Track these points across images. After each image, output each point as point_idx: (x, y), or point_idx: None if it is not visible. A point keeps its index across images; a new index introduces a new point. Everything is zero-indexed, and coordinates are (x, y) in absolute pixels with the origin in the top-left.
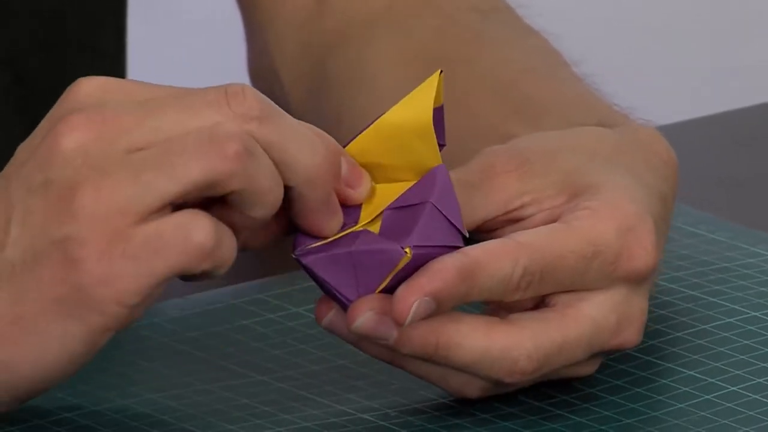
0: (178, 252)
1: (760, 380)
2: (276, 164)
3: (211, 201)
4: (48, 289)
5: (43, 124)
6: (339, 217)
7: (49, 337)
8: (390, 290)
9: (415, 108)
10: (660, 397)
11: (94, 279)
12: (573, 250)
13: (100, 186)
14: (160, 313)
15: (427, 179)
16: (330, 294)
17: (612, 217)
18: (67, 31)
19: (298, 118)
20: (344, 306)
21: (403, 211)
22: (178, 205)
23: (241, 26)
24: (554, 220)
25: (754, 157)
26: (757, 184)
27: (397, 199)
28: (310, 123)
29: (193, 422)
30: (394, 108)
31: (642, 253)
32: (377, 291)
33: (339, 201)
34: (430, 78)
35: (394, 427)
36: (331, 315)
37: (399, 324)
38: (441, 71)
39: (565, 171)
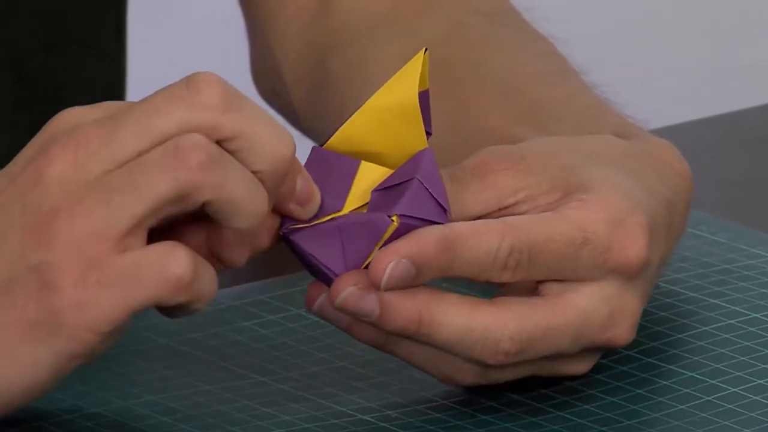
0: (153, 283)
1: (761, 382)
2: (242, 150)
3: (196, 217)
4: (21, 313)
5: (24, 152)
6: (314, 202)
7: (18, 362)
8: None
9: (399, 91)
10: (661, 399)
11: (68, 305)
12: (561, 234)
13: (75, 212)
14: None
15: (413, 161)
16: (318, 274)
17: (602, 208)
18: (69, 31)
19: (301, 118)
20: (332, 283)
21: (388, 190)
22: (159, 229)
23: (241, 26)
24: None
25: (754, 159)
26: (757, 185)
27: (383, 182)
28: (313, 123)
29: (194, 423)
30: (379, 91)
31: (633, 246)
32: (365, 263)
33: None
34: (414, 58)
35: (394, 428)
36: (322, 299)
37: (375, 285)
38: (426, 50)
39: (561, 169)
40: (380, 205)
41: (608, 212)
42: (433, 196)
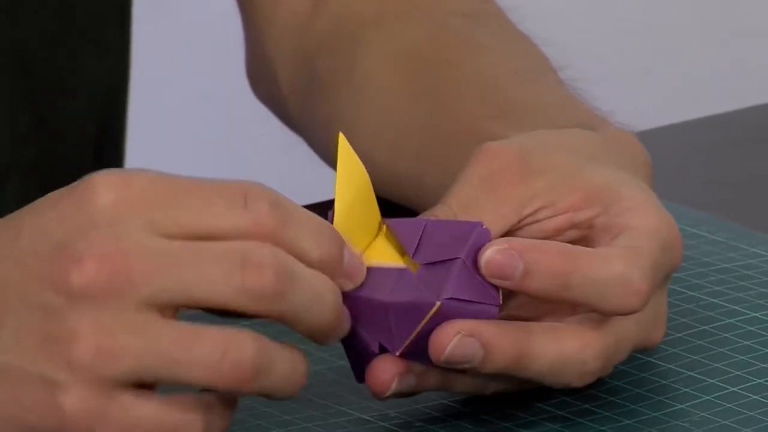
0: None
1: (761, 381)
2: (291, 323)
3: None
4: (25, 413)
5: (56, 226)
6: (361, 275)
7: None
8: (417, 339)
9: (351, 180)
10: (660, 398)
11: (74, 430)
12: (659, 247)
13: (102, 346)
14: None
15: (461, 231)
16: (358, 347)
17: (657, 214)
18: (74, 24)
19: (296, 122)
20: (367, 354)
21: (435, 266)
22: None
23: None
24: (573, 222)
25: (751, 159)
26: (755, 185)
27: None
28: (306, 125)
29: None
30: (337, 186)
31: (679, 249)
32: (407, 342)
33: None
34: (340, 144)
35: (393, 428)
36: (399, 379)
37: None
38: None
39: (560, 168)
40: (428, 282)
41: (665, 216)
42: (476, 276)
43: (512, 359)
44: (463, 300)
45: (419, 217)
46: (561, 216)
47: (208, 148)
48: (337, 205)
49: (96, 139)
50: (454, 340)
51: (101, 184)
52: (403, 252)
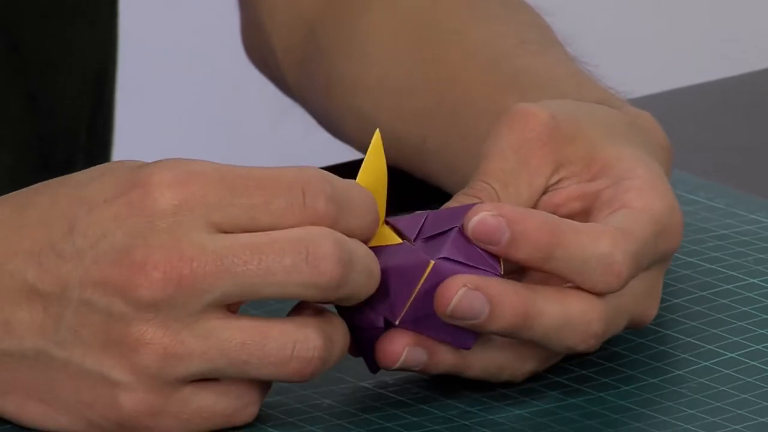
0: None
1: (759, 347)
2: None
3: None
4: (84, 408)
5: (114, 213)
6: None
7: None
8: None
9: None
10: (658, 364)
11: (134, 426)
12: (652, 232)
13: (169, 352)
14: None
15: (456, 212)
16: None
17: (662, 198)
18: (64, 0)
19: (292, 88)
20: (374, 332)
21: (434, 238)
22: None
23: None
24: (583, 192)
25: (754, 124)
26: (756, 151)
27: (428, 228)
28: (303, 93)
29: None
30: (360, 175)
31: (679, 234)
32: (405, 307)
33: None
34: (373, 140)
35: (391, 395)
36: (408, 351)
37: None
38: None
39: (588, 139)
40: (426, 249)
41: (669, 201)
42: (474, 245)
43: (519, 316)
44: (459, 262)
45: (425, 211)
46: (575, 186)
47: (202, 120)
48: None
49: (90, 116)
50: (459, 292)
51: (159, 185)
52: (404, 240)
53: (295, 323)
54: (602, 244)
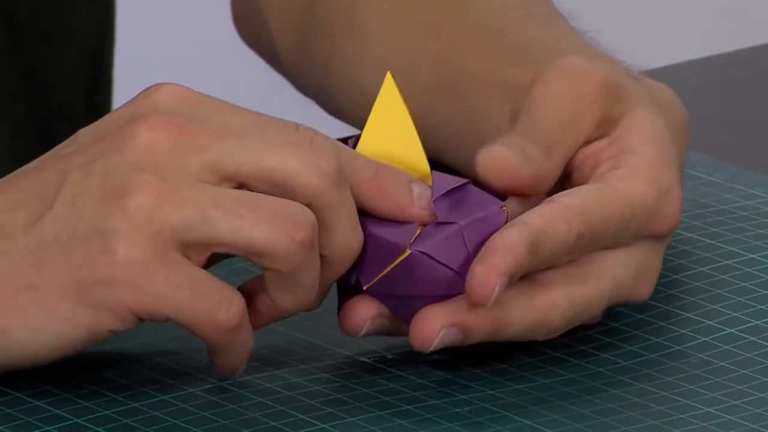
0: (200, 317)
1: (758, 322)
2: (322, 229)
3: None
4: (74, 270)
5: (116, 114)
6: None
7: (56, 316)
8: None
9: (387, 122)
10: (657, 339)
11: (124, 280)
12: (617, 212)
13: (163, 196)
14: None
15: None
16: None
17: (651, 181)
18: None
19: (286, 66)
20: (346, 287)
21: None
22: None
23: None
24: (594, 155)
25: (755, 99)
26: (757, 126)
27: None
28: (300, 70)
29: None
30: (368, 126)
31: (672, 216)
32: (376, 279)
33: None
34: (384, 84)
35: (390, 369)
36: (371, 322)
37: (482, 304)
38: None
39: (629, 105)
40: (422, 234)
41: (657, 186)
42: (467, 248)
43: (489, 334)
44: (436, 260)
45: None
46: (597, 145)
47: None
48: (363, 136)
49: (87, 91)
50: (440, 334)
51: (157, 104)
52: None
53: (288, 200)
54: (561, 226)
